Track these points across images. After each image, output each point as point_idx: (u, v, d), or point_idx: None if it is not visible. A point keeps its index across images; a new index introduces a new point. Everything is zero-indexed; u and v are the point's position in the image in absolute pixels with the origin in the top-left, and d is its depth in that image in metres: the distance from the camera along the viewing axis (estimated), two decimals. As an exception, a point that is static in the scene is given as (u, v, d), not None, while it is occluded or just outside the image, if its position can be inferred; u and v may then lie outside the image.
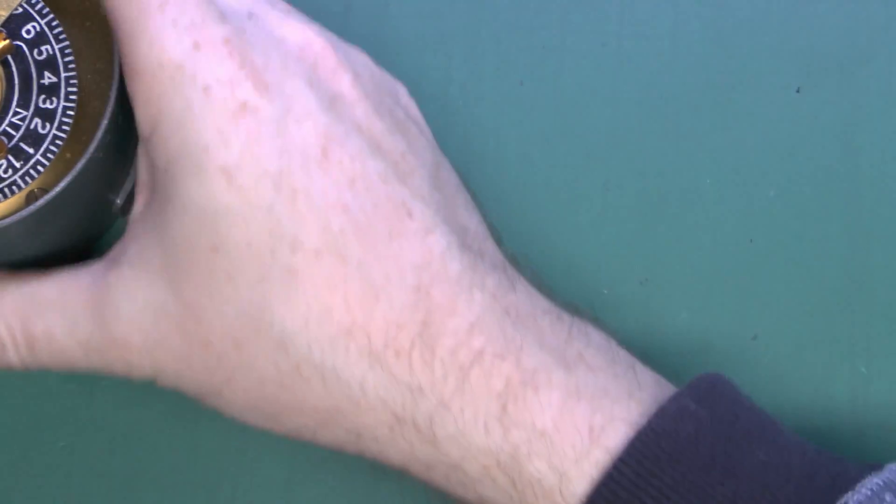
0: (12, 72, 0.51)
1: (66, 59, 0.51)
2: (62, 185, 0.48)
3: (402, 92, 0.52)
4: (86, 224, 0.53)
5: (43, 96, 0.51)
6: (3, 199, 0.50)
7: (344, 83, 0.48)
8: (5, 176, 0.50)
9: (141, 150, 0.48)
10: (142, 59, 0.46)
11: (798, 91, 0.57)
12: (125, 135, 0.50)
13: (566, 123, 0.57)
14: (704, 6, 0.58)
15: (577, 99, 0.57)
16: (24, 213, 0.48)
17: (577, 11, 0.58)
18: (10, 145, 0.51)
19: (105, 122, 0.49)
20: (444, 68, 0.57)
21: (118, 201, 0.52)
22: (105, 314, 0.47)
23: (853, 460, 0.47)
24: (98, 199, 0.52)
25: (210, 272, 0.45)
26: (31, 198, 0.50)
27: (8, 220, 0.48)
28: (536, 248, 0.55)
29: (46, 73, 0.51)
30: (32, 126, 0.51)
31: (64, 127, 0.51)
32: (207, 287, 0.45)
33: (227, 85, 0.45)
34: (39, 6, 0.52)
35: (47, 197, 0.48)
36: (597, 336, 0.49)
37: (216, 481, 0.52)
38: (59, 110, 0.51)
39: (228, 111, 0.45)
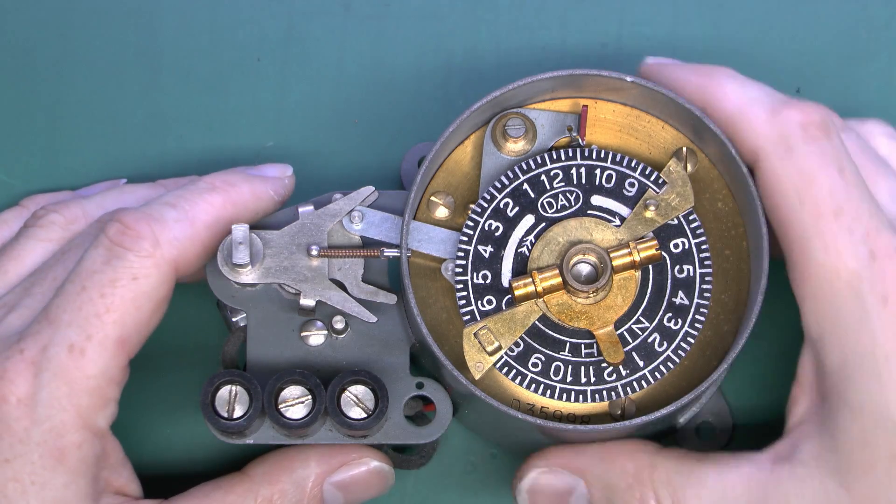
0: (648, 281, 0.50)
1: (705, 285, 0.49)
2: (663, 412, 0.48)
3: None
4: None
5: (669, 314, 0.49)
6: (590, 402, 0.49)
7: None
8: (608, 379, 0.49)
9: (806, 350, 0.48)
10: (814, 264, 0.46)
11: (798, 91, 0.57)
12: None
13: (566, 123, 0.57)
14: (704, 6, 0.58)
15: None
16: (625, 424, 0.48)
17: (577, 11, 0.58)
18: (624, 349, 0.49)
19: (723, 370, 0.48)
20: (445, 68, 0.58)
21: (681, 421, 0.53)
22: None
23: None
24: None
25: (889, 478, 0.45)
26: (615, 406, 0.49)
27: (610, 427, 0.48)
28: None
29: (681, 293, 0.49)
30: (650, 340, 0.49)
31: (680, 352, 0.49)
32: (886, 490, 0.46)
33: None
34: (695, 224, 0.50)
35: (645, 418, 0.47)
36: None
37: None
38: (681, 334, 0.49)
39: None
